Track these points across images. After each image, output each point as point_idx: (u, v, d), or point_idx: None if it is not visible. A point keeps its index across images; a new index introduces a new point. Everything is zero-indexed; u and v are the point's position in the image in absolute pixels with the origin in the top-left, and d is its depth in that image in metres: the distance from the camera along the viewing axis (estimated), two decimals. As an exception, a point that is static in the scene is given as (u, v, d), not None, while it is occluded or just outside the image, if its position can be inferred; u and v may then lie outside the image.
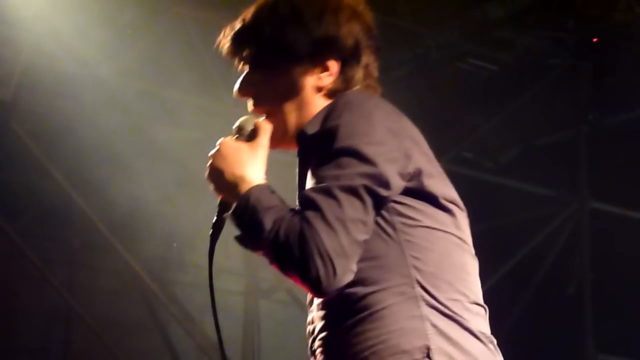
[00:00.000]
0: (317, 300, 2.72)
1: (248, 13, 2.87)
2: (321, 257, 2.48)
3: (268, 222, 2.55)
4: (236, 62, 2.91)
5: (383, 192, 2.57)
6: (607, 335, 8.72)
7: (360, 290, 2.59)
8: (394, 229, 2.62)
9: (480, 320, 2.67)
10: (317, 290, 2.54)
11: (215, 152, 2.77)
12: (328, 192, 2.53)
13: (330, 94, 2.83)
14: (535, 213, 9.07)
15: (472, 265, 2.75)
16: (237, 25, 2.88)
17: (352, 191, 2.53)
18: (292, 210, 2.59)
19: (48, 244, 9.01)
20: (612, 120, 8.82)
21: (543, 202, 9.13)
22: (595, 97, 8.93)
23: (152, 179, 8.82)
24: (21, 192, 8.77)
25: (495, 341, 2.70)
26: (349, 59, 2.84)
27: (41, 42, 7.71)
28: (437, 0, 8.63)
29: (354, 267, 2.54)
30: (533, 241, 8.92)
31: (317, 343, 2.72)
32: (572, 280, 8.93)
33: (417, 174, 2.65)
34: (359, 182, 2.54)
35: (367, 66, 2.87)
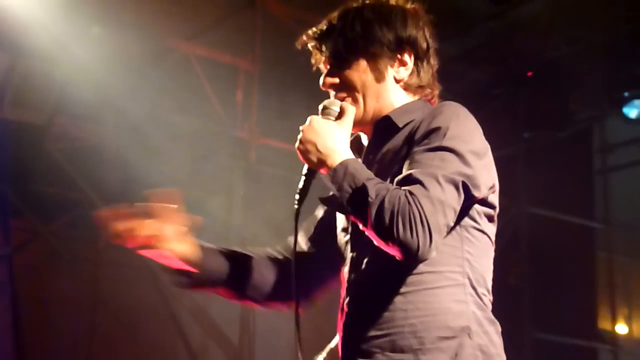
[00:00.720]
0: (368, 264, 2.68)
1: (333, 17, 2.87)
2: (423, 228, 2.43)
3: (372, 189, 2.49)
4: (320, 58, 2.89)
5: (475, 192, 2.58)
6: (541, 316, 8.75)
7: (421, 267, 2.57)
8: (461, 225, 2.63)
9: (491, 311, 2.71)
10: (411, 255, 2.45)
11: (307, 126, 2.70)
12: (435, 177, 2.49)
13: (406, 87, 2.85)
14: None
15: (492, 268, 2.79)
16: (324, 26, 2.87)
17: (454, 183, 2.51)
18: (393, 185, 2.53)
19: (77, 244, 8.99)
20: (544, 139, 8.85)
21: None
22: (529, 120, 8.96)
23: (160, 188, 8.80)
24: (55, 201, 8.76)
25: (500, 329, 2.72)
26: (422, 57, 2.86)
27: (70, 75, 7.70)
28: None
29: (439, 247, 2.50)
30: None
31: (362, 298, 2.68)
32: (513, 272, 8.97)
33: (491, 187, 2.70)
34: (459, 177, 2.53)
35: (432, 70, 2.91)
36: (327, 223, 2.97)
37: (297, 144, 2.70)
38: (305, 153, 2.67)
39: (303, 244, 2.98)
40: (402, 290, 2.58)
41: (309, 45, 2.89)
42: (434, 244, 2.44)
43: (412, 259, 2.46)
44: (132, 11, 7.87)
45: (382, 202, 2.45)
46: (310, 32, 2.89)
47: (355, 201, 2.52)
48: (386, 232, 2.45)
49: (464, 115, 2.70)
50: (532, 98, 8.80)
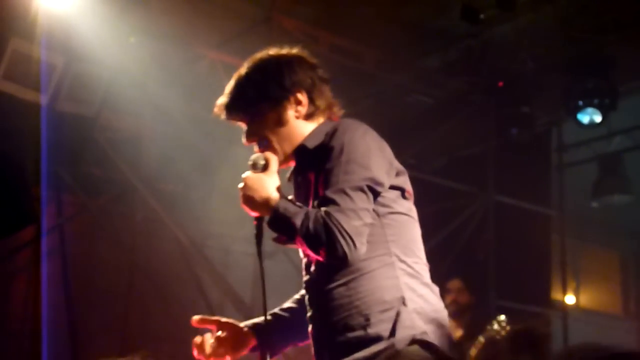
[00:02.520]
0: (315, 265, 2.72)
1: (229, 89, 2.90)
2: (343, 237, 2.49)
3: (298, 222, 2.56)
4: (236, 122, 2.92)
5: (379, 188, 2.63)
6: (504, 287, 8.74)
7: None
8: (378, 215, 2.65)
9: (428, 275, 2.75)
10: (343, 261, 2.54)
11: (243, 186, 2.74)
12: (342, 191, 2.55)
13: (307, 118, 2.84)
14: (457, 203, 9.08)
15: (420, 235, 2.81)
16: (224, 99, 2.90)
17: (360, 189, 2.57)
18: (312, 209, 2.60)
19: (118, 217, 8.98)
20: (510, 138, 8.82)
21: (462, 195, 9.14)
22: (499, 122, 8.94)
23: (189, 177, 8.83)
24: (100, 180, 8.75)
25: (438, 289, 2.76)
26: (311, 90, 2.84)
27: (115, 76, 7.69)
28: (392, 53, 8.62)
29: (365, 242, 2.56)
30: (455, 222, 8.93)
31: (315, 295, 2.73)
32: (481, 250, 8.95)
33: (396, 174, 2.72)
34: (363, 182, 2.57)
35: (325, 94, 2.88)
36: None
37: (240, 200, 2.74)
38: (248, 206, 2.72)
39: None
40: (343, 280, 2.63)
41: (222, 117, 2.93)
42: (358, 244, 2.52)
43: (346, 263, 2.55)
44: (169, 23, 7.85)
45: (307, 229, 2.53)
46: (217, 106, 2.93)
47: (290, 235, 2.60)
48: (318, 250, 2.54)
49: (354, 127, 2.70)
50: (502, 104, 8.78)
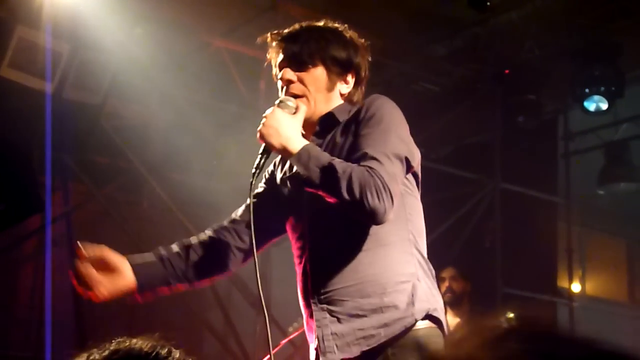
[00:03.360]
0: (327, 228, 2.72)
1: (300, 28, 2.90)
2: (387, 194, 2.51)
3: (339, 167, 2.54)
4: (278, 56, 2.91)
5: (413, 164, 2.71)
6: (511, 274, 8.73)
7: (375, 227, 2.64)
8: (400, 193, 2.67)
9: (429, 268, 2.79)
10: (378, 217, 2.53)
11: (270, 114, 2.74)
12: (385, 154, 2.58)
13: (342, 98, 2.90)
14: (464, 190, 9.07)
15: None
16: (290, 32, 2.90)
17: (399, 158, 2.62)
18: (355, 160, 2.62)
19: (124, 205, 8.99)
20: (517, 126, 8.80)
21: (469, 183, 9.13)
22: (506, 110, 8.92)
23: (196, 164, 8.81)
24: (107, 168, 8.74)
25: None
26: (360, 82, 2.94)
27: (121, 64, 7.67)
28: (399, 41, 8.58)
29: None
30: (462, 209, 8.93)
31: (325, 263, 2.72)
32: (488, 237, 8.94)
33: (417, 159, 2.79)
34: (402, 153, 2.63)
35: (364, 89, 2.97)
36: (265, 198, 3.02)
37: (260, 128, 2.72)
38: (267, 136, 2.70)
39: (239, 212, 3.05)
40: (364, 247, 2.64)
41: (272, 43, 2.90)
42: (394, 205, 2.53)
43: (379, 221, 2.54)
44: (175, 11, 7.83)
45: (350, 177, 2.49)
46: (275, 33, 2.92)
47: (325, 178, 2.55)
48: (358, 201, 2.49)
49: (391, 104, 2.77)
50: (508, 92, 8.75)
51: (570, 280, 9.72)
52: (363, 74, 2.93)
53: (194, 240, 3.03)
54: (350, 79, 2.89)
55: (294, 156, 2.64)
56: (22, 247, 8.64)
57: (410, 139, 2.73)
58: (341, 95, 2.88)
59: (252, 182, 2.79)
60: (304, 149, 2.63)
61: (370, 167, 2.51)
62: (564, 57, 8.42)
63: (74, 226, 8.40)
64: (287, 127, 2.69)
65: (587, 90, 8.14)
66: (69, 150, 8.04)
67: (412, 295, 2.59)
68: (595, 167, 9.67)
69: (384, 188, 2.48)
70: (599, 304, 12.85)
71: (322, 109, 2.85)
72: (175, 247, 3.00)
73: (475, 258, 8.36)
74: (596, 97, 8.14)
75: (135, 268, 2.89)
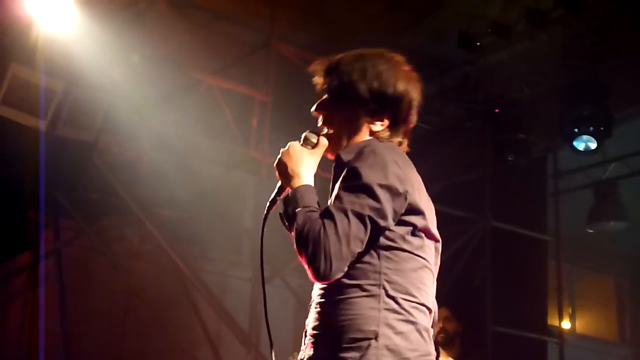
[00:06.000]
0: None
1: (343, 57, 2.81)
2: (325, 256, 2.48)
3: (300, 217, 2.55)
4: (319, 86, 2.83)
5: (382, 222, 2.57)
6: (501, 313, 8.72)
7: (345, 281, 2.59)
8: (379, 247, 2.61)
9: (423, 317, 2.66)
10: (315, 277, 2.53)
11: (285, 150, 2.73)
12: (344, 212, 2.52)
13: (375, 136, 2.78)
14: (454, 228, 9.06)
15: (428, 278, 2.72)
16: (332, 62, 2.82)
17: (360, 217, 2.53)
18: (320, 212, 2.57)
19: (115, 242, 8.97)
20: (506, 165, 8.83)
21: (459, 221, 9.12)
22: (495, 149, 8.95)
23: (184, 197, 8.83)
24: (98, 205, 8.73)
25: (431, 332, 2.68)
26: (398, 119, 2.80)
27: (114, 102, 7.69)
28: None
29: (345, 269, 2.54)
30: (452, 248, 8.91)
31: (313, 309, 2.71)
32: (478, 275, 8.93)
33: (408, 211, 2.64)
34: (367, 212, 2.53)
35: (407, 129, 2.84)
36: None
37: (275, 163, 2.74)
38: (279, 172, 2.72)
39: None
40: (333, 299, 2.61)
41: (315, 71, 2.83)
42: (334, 269, 2.49)
43: (317, 278, 2.54)
44: (168, 48, 7.88)
45: (302, 229, 2.52)
46: (320, 62, 2.84)
47: (290, 223, 2.60)
48: (301, 254, 2.53)
49: (379, 154, 2.63)
50: (498, 131, 8.79)
51: (560, 319, 9.71)
52: (404, 111, 2.78)
53: None
54: (386, 118, 2.76)
55: (285, 196, 2.67)
56: (11, 284, 8.60)
57: (391, 192, 2.58)
58: (373, 133, 2.77)
59: (265, 214, 2.79)
60: (294, 189, 2.64)
61: (324, 225, 2.50)
62: (553, 96, 8.48)
63: (64, 262, 8.38)
64: (297, 163, 2.69)
65: (576, 129, 8.19)
66: (60, 186, 8.04)
67: (362, 356, 2.52)
68: (584, 205, 9.70)
69: (325, 249, 2.47)
70: (589, 342, 12.82)
71: (348, 144, 2.77)
72: None
73: (465, 296, 8.34)
74: (585, 137, 8.19)
75: None
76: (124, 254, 8.84)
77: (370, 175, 2.56)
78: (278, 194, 2.76)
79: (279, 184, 2.76)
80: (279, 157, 2.73)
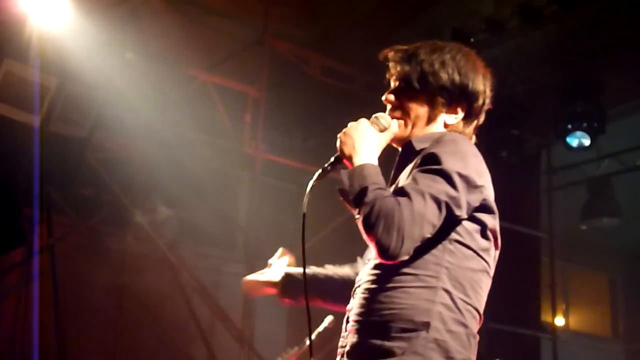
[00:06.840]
0: (373, 264, 2.63)
1: (420, 45, 2.79)
2: (398, 234, 2.40)
3: (371, 194, 2.46)
4: (392, 73, 2.80)
5: (457, 211, 2.50)
6: (495, 310, 8.71)
7: (404, 267, 2.52)
8: (446, 239, 2.55)
9: (472, 321, 2.60)
10: (382, 255, 2.44)
11: (354, 123, 2.66)
12: (422, 193, 2.44)
13: (449, 128, 2.75)
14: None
15: (486, 283, 2.66)
16: (409, 50, 2.78)
17: (437, 201, 2.45)
18: (394, 191, 2.51)
19: (108, 238, 8.96)
20: (501, 162, 8.85)
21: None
22: (490, 145, 8.97)
23: (178, 193, 8.83)
24: (91, 201, 8.73)
25: (477, 338, 2.62)
26: (472, 115, 2.77)
27: (107, 98, 7.69)
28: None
29: (412, 252, 2.45)
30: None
31: (360, 295, 2.64)
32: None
33: (481, 207, 2.59)
34: (444, 197, 2.46)
35: (478, 122, 2.81)
36: None
37: (340, 134, 2.65)
38: (342, 143, 2.64)
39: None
40: (385, 286, 2.54)
41: (389, 59, 2.80)
42: (404, 249, 2.40)
43: (385, 256, 2.43)
44: (162, 45, 7.87)
45: (373, 205, 2.42)
46: (395, 49, 2.80)
47: (356, 198, 2.50)
48: (369, 228, 2.42)
49: (460, 143, 2.59)
50: (492, 128, 8.81)
51: (554, 315, 9.74)
52: (479, 106, 2.75)
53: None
54: (461, 111, 2.73)
55: (349, 169, 2.58)
56: (4, 280, 8.59)
57: (469, 184, 2.52)
58: (447, 125, 2.73)
59: (307, 192, 2.69)
60: (361, 165, 2.56)
61: (398, 202, 2.41)
62: (547, 93, 8.51)
63: (57, 258, 8.37)
64: (363, 140, 2.61)
65: (569, 126, 8.22)
66: (54, 182, 8.03)
67: (410, 344, 2.47)
68: (578, 202, 9.73)
69: (399, 226, 2.39)
70: (582, 339, 12.87)
71: (418, 134, 2.73)
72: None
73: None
74: (578, 133, 8.22)
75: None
76: (117, 250, 8.84)
77: (450, 162, 2.50)
78: (332, 165, 2.68)
79: (335, 156, 2.67)
80: (345, 129, 2.65)
